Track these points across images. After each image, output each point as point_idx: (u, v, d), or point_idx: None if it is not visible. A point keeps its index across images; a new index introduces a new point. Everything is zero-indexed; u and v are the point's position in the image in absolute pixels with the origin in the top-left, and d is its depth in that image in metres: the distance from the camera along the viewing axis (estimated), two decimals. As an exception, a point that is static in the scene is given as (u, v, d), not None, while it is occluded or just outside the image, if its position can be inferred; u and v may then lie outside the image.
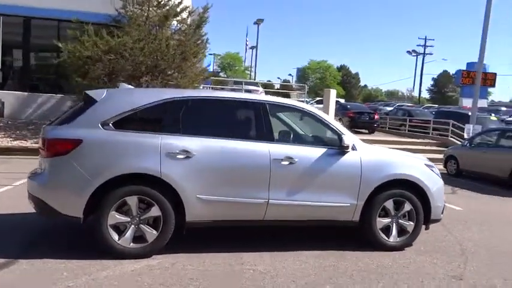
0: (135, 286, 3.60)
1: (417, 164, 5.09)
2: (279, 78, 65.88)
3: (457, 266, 4.53)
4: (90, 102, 4.32)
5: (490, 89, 44.47)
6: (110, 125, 4.21)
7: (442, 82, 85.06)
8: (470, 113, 16.96)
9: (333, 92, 17.92)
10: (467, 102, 35.82)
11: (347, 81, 64.36)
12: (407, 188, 4.91)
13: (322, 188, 4.65)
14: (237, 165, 4.43)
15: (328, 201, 4.68)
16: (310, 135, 5.10)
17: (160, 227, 4.22)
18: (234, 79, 22.70)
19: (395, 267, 4.40)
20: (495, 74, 40.36)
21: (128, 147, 4.19)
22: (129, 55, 12.14)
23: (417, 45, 49.27)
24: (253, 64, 42.45)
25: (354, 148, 4.77)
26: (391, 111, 26.27)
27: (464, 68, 40.43)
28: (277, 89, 37.67)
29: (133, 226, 4.18)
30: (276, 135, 4.70)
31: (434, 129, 18.07)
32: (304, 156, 4.61)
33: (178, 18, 13.46)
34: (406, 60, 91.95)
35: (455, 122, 16.56)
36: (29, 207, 4.41)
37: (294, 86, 45.56)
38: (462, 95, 40.11)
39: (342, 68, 65.86)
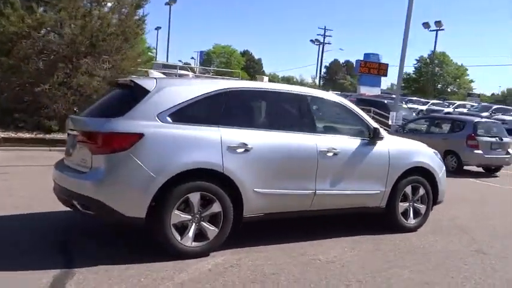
0: (226, 287, 3.48)
1: (429, 152, 5.61)
2: (180, 61, 64.40)
3: (471, 242, 5.14)
4: (141, 92, 3.96)
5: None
6: (167, 117, 3.92)
7: (333, 70, 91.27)
8: (386, 101, 18.65)
9: (266, 80, 18.28)
10: (364, 90, 39.40)
11: (250, 66, 65.49)
12: (421, 174, 5.39)
13: (359, 177, 4.90)
14: (290, 157, 4.46)
15: (364, 189, 4.95)
16: (346, 126, 5.28)
17: (220, 223, 4.09)
18: (163, 62, 21.69)
19: (426, 247, 4.84)
20: (387, 64, 44.54)
21: (190, 141, 3.96)
22: (66, 33, 11.02)
23: (317, 35, 52.06)
24: (157, 45, 40.76)
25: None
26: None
27: (362, 58, 44.37)
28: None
29: (194, 224, 3.99)
30: (318, 127, 4.80)
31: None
32: (344, 147, 4.80)
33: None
34: (312, 49, 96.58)
35: (376, 110, 18.08)
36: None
37: (196, 70, 45.00)
38: (360, 83, 43.83)
39: (245, 54, 66.80)
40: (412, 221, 5.41)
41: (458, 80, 65.85)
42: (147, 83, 4.04)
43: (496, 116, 22.87)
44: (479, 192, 9.06)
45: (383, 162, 5.06)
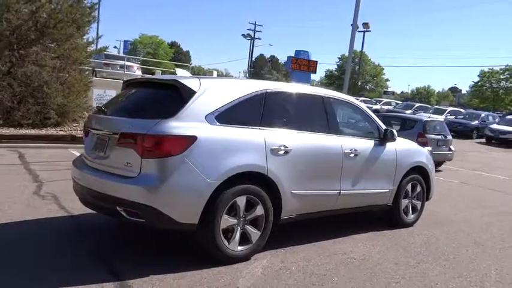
0: (289, 290, 3.49)
1: (425, 152, 6.01)
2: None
3: (464, 233, 5.63)
4: (187, 92, 3.78)
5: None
6: (214, 119, 3.80)
7: (259, 65, 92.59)
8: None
9: (215, 74, 18.07)
10: (296, 86, 40.75)
11: (178, 58, 64.12)
12: (418, 173, 5.78)
13: (373, 177, 5.13)
14: (321, 158, 4.55)
15: (377, 188, 5.20)
16: (361, 127, 5.44)
17: (262, 226, 4.07)
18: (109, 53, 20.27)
19: (432, 241, 5.21)
20: (316, 61, 46.33)
21: (238, 144, 3.88)
22: (12, 19, 9.99)
23: (247, 29, 52.42)
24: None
25: (391, 139, 5.38)
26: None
27: (293, 55, 45.59)
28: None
29: (239, 228, 3.92)
30: (341, 128, 4.93)
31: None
32: (363, 148, 4.99)
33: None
34: (243, 44, 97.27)
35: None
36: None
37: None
38: (293, 79, 45.04)
39: (173, 45, 65.21)
40: (410, 217, 5.78)
41: (375, 78, 70.43)
42: (192, 83, 3.86)
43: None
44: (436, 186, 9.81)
45: (392, 162, 5.35)
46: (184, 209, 3.59)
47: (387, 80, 70.90)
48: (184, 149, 3.53)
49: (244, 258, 3.96)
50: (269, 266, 3.91)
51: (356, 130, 5.27)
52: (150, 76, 5.18)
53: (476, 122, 25.34)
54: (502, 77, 57.17)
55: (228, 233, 3.85)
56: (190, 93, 3.77)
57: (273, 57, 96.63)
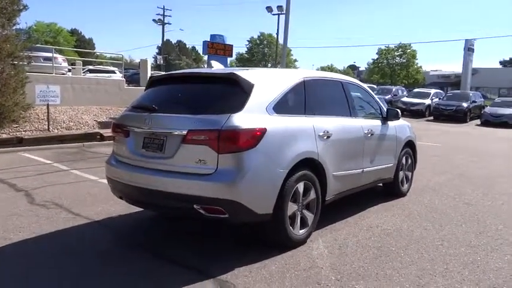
0: (373, 261, 3.76)
1: (411, 127, 6.60)
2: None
3: (452, 197, 6.36)
4: (247, 85, 3.79)
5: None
6: (272, 109, 3.88)
7: (166, 50, 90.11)
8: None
9: (149, 61, 17.47)
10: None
11: (81, 47, 59.85)
12: (409, 146, 6.37)
13: (383, 153, 5.58)
14: (351, 140, 4.86)
15: (386, 163, 5.68)
16: (370, 109, 5.78)
17: (315, 209, 4.27)
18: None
19: (433, 205, 5.84)
20: (232, 45, 46.42)
21: (296, 132, 4.02)
22: None
23: (156, 14, 50.66)
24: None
25: (391, 118, 5.86)
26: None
27: (208, 39, 45.19)
28: None
29: (299, 213, 4.09)
30: (358, 111, 5.27)
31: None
32: (375, 128, 5.39)
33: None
34: (152, 29, 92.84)
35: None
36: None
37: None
38: (210, 64, 44.66)
39: (74, 33, 60.62)
40: (405, 187, 6.38)
41: (274, 60, 72.57)
42: (249, 76, 3.87)
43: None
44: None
45: (394, 138, 5.85)
46: (262, 200, 3.66)
47: (295, 60, 73.50)
48: (258, 141, 3.58)
49: (304, 241, 4.15)
50: (329, 245, 4.15)
51: (366, 111, 5.64)
52: (194, 70, 4.99)
53: (389, 96, 27.62)
54: (396, 53, 62.41)
55: (292, 219, 3.99)
56: (250, 85, 3.80)
57: (180, 42, 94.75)
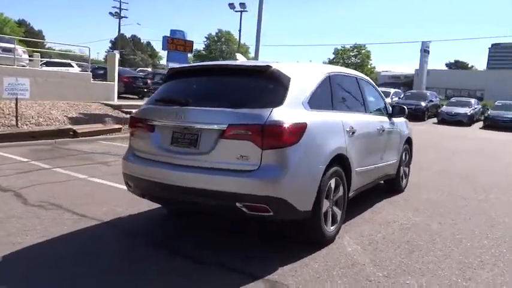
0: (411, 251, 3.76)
1: (408, 124, 6.72)
2: None
3: (448, 193, 6.55)
4: (285, 79, 3.68)
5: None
6: (307, 104, 3.78)
7: (120, 45, 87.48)
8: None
9: (117, 56, 16.82)
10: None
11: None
12: (407, 142, 6.50)
13: (389, 150, 5.65)
14: (370, 136, 4.89)
15: (392, 159, 5.75)
16: (377, 105, 5.80)
17: (342, 204, 4.23)
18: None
19: (436, 201, 5.99)
20: (192, 41, 45.68)
21: (329, 127, 3.97)
22: None
23: (112, 7, 48.97)
24: None
25: (394, 116, 5.94)
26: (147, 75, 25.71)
27: (168, 35, 44.11)
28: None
29: (330, 209, 4.03)
30: (372, 108, 5.28)
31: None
32: (384, 123, 5.44)
33: None
34: (107, 24, 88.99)
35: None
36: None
37: None
38: (169, 59, 43.56)
39: (21, 24, 57.26)
40: (404, 182, 6.50)
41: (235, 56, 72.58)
42: (285, 69, 3.75)
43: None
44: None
45: (398, 135, 5.94)
46: (304, 197, 3.56)
47: (254, 58, 73.72)
48: (300, 136, 3.48)
49: (333, 238, 4.09)
50: (358, 241, 4.12)
51: (376, 107, 5.67)
52: (225, 62, 4.76)
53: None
54: (352, 54, 64.15)
55: (324, 216, 3.92)
56: (287, 79, 3.69)
57: (134, 37, 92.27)
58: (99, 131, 11.21)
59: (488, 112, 23.54)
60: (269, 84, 3.68)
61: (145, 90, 19.09)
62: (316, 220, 3.74)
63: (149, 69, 35.87)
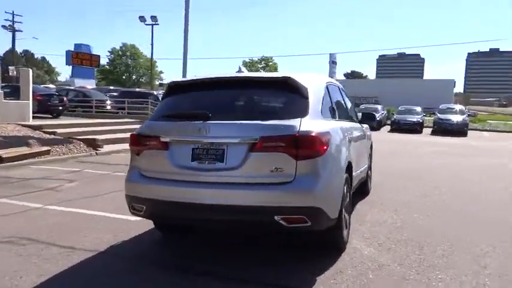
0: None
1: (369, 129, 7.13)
2: None
3: (409, 187, 7.06)
4: (303, 90, 3.70)
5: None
6: (321, 114, 3.86)
7: (7, 61, 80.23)
8: (156, 93, 19.15)
9: (30, 72, 15.38)
10: (81, 82, 36.73)
11: None
12: (371, 148, 6.90)
13: (364, 155, 5.96)
14: (359, 143, 5.15)
15: (365, 164, 6.06)
16: (351, 112, 5.99)
17: (348, 210, 4.35)
18: None
19: (413, 202, 6.41)
20: (99, 56, 43.67)
21: (341, 136, 4.07)
22: None
23: (5, 20, 44.86)
24: None
25: (363, 123, 6.28)
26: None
27: (73, 49, 41.29)
28: None
29: (344, 215, 4.11)
30: (350, 115, 5.52)
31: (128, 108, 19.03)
32: (360, 130, 5.69)
33: None
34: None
35: (153, 101, 18.27)
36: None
37: None
38: (73, 75, 40.74)
39: None
40: (370, 185, 6.87)
41: (150, 71, 70.91)
42: (302, 80, 3.77)
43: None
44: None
45: (369, 141, 6.30)
46: (335, 204, 3.62)
47: (161, 72, 72.41)
48: (328, 145, 3.53)
49: (347, 242, 4.18)
50: (368, 244, 4.26)
51: (351, 114, 5.94)
52: (241, 74, 4.52)
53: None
54: (260, 66, 66.06)
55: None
56: (306, 89, 3.72)
57: (27, 52, 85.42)
58: (25, 155, 10.13)
59: (394, 117, 25.23)
60: (290, 95, 3.69)
61: (60, 108, 17.66)
62: (341, 226, 3.82)
63: (52, 86, 33.23)
